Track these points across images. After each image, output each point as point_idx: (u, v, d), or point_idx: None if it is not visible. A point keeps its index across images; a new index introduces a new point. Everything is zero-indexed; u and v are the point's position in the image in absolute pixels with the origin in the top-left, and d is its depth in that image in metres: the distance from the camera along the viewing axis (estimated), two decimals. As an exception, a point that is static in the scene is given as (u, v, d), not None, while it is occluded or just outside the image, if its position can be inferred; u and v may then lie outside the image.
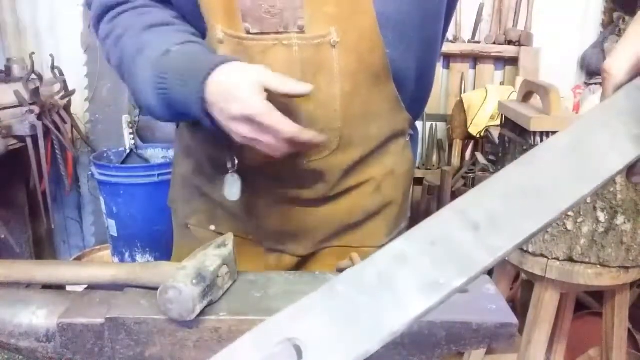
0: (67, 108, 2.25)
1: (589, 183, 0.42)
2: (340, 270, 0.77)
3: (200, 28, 0.81)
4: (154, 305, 0.64)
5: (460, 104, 2.49)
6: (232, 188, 0.84)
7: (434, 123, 2.59)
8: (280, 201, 0.90)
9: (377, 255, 0.41)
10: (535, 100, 1.46)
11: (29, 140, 2.06)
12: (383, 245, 0.42)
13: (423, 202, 2.42)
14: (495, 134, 1.98)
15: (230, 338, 0.64)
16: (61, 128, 2.17)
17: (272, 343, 0.39)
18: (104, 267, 0.71)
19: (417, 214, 2.32)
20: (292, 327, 0.40)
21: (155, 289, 0.63)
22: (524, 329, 1.51)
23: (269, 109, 0.69)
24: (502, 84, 2.62)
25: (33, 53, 2.16)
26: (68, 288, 0.79)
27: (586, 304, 2.10)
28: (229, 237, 0.75)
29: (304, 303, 0.41)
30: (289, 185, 0.88)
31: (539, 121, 1.33)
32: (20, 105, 2.04)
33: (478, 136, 2.40)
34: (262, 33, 0.76)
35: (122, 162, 2.28)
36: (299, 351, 0.38)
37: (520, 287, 2.23)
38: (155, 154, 2.38)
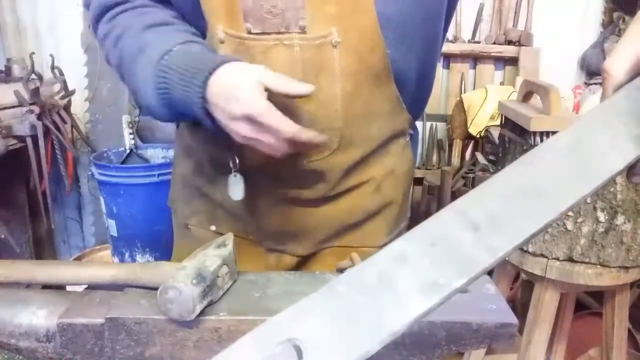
0: (67, 108, 2.25)
1: (589, 183, 0.42)
2: (340, 270, 0.77)
3: (200, 28, 0.81)
4: (154, 305, 0.64)
5: (460, 104, 2.49)
6: (235, 188, 0.84)
7: (434, 123, 2.59)
8: (281, 201, 0.90)
9: (377, 255, 0.41)
10: (535, 100, 1.46)
11: (29, 140, 2.06)
12: (383, 245, 0.42)
13: (423, 202, 2.42)
14: (495, 134, 1.98)
15: (230, 338, 0.64)
16: (61, 128, 2.18)
17: (273, 343, 0.39)
18: (104, 267, 0.71)
19: (417, 214, 2.31)
20: (293, 328, 0.40)
21: (155, 289, 0.63)
22: (524, 329, 1.51)
23: (269, 108, 0.69)
24: (502, 84, 2.62)
25: (33, 53, 2.16)
26: (68, 288, 0.79)
27: (586, 304, 2.10)
28: (229, 237, 0.75)
29: (305, 303, 0.41)
30: (289, 185, 0.88)
31: (539, 121, 1.34)
32: (20, 105, 2.04)
33: (478, 136, 2.40)
34: (263, 33, 0.76)
35: (122, 162, 2.28)
36: (299, 351, 0.38)
37: (520, 287, 2.23)
38: (155, 154, 2.38)
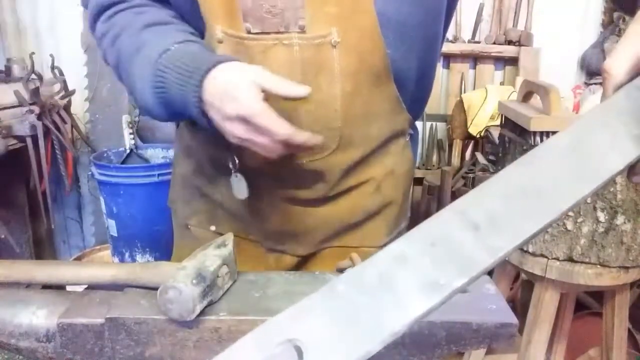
0: (67, 108, 2.25)
1: (589, 183, 0.42)
2: (340, 271, 0.77)
3: (198, 28, 0.81)
4: (154, 305, 0.64)
5: (460, 104, 2.49)
6: (239, 187, 0.84)
7: (434, 123, 2.59)
8: (280, 201, 0.90)
9: (377, 255, 0.41)
10: (535, 100, 1.46)
11: (29, 140, 2.06)
12: (383, 245, 0.42)
13: (423, 202, 2.42)
14: (495, 134, 1.98)
15: (230, 338, 0.64)
16: (61, 128, 2.18)
17: (273, 344, 0.39)
18: (104, 267, 0.71)
19: (417, 214, 2.32)
20: (293, 328, 0.40)
21: (155, 289, 0.63)
22: (524, 329, 1.51)
23: (264, 109, 0.68)
24: (502, 84, 2.62)
25: (33, 53, 2.16)
26: (68, 288, 0.79)
27: (586, 304, 2.10)
28: (229, 237, 0.75)
29: (305, 304, 0.41)
30: (289, 185, 0.88)
31: (539, 121, 1.34)
32: (20, 105, 2.04)
33: (478, 136, 2.40)
34: (262, 33, 0.76)
35: (122, 162, 2.28)
36: (299, 352, 0.38)
37: (520, 287, 2.23)
38: (155, 154, 2.38)
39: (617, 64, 0.46)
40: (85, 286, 0.72)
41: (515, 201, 0.42)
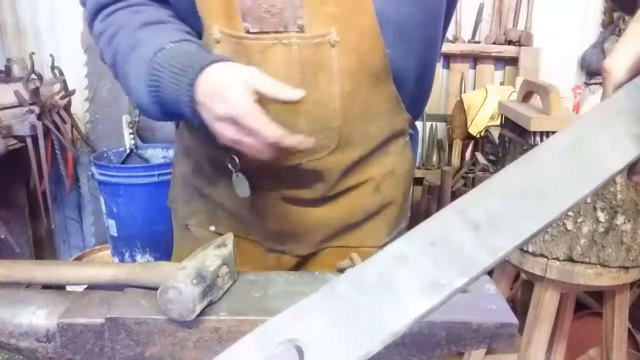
0: (67, 108, 2.25)
1: (589, 183, 0.42)
2: (340, 270, 0.77)
3: (196, 27, 0.81)
4: (154, 305, 0.64)
5: (460, 104, 2.49)
6: (241, 186, 0.84)
7: (434, 123, 2.59)
8: (280, 201, 0.90)
9: (377, 255, 0.41)
10: (535, 100, 1.46)
11: (29, 140, 2.06)
12: (383, 245, 0.42)
13: (423, 202, 2.42)
14: (495, 134, 1.98)
15: (230, 338, 0.64)
16: (61, 128, 2.18)
17: (273, 344, 0.39)
18: (104, 267, 0.71)
19: (417, 214, 2.32)
20: (293, 328, 0.40)
21: (155, 289, 0.63)
22: (524, 329, 1.51)
23: (254, 111, 0.68)
24: (502, 84, 2.62)
25: (33, 53, 2.16)
26: (68, 288, 0.79)
27: (586, 304, 2.10)
28: (229, 237, 0.75)
29: (305, 304, 0.41)
30: (288, 185, 0.88)
31: (539, 121, 1.34)
32: (20, 105, 2.04)
33: (478, 136, 2.40)
34: (261, 32, 0.76)
35: (122, 162, 2.28)
36: (300, 352, 0.38)
37: (520, 287, 2.23)
38: (155, 154, 2.38)
39: (617, 63, 0.46)
40: (85, 286, 0.72)
41: (515, 201, 0.42)
